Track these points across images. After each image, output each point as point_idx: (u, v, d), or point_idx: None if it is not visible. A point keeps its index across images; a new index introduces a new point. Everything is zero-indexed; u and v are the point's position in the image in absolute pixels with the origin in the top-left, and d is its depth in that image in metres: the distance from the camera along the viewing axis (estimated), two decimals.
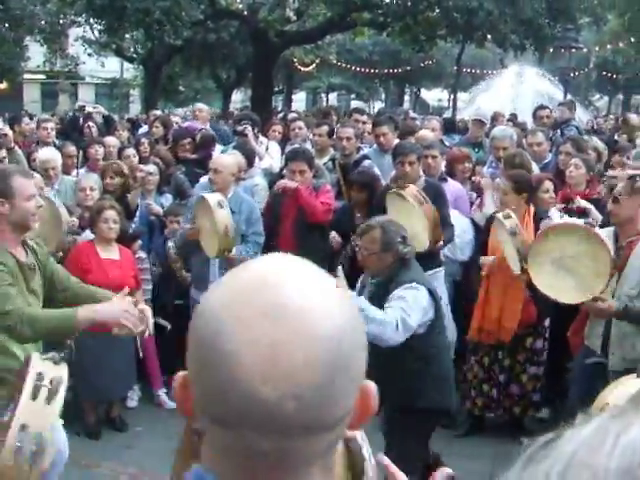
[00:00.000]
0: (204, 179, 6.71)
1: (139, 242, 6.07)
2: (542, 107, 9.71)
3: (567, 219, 5.07)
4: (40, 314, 3.39)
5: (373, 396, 0.89)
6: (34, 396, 1.92)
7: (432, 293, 4.21)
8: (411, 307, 4.04)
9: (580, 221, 4.88)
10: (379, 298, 4.17)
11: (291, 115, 11.44)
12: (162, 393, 6.10)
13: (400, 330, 3.95)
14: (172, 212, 6.35)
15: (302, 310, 0.82)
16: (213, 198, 5.29)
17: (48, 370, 2.01)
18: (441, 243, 5.46)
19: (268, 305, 0.82)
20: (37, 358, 2.04)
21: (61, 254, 5.29)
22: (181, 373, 0.90)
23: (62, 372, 2.02)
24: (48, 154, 6.84)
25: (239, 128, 7.73)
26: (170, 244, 6.07)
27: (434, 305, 4.22)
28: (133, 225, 6.26)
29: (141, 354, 5.46)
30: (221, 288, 0.87)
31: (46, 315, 3.38)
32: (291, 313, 0.81)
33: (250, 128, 7.62)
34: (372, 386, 0.89)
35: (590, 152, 6.80)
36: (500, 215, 5.05)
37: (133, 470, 5.14)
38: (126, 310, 3.26)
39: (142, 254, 6.05)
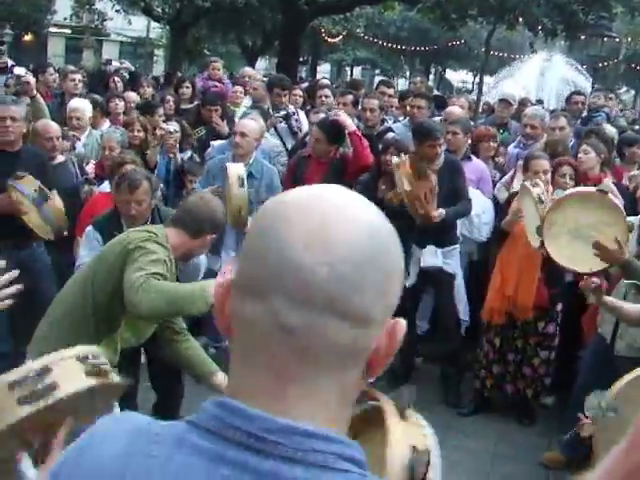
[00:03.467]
0: (217, 143, 6.69)
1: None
2: (578, 92, 9.59)
3: (580, 188, 5.01)
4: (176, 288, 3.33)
5: (399, 335, 0.92)
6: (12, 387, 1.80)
7: None
8: None
9: (592, 188, 4.81)
10: None
11: (324, 81, 11.29)
12: None
13: None
14: (191, 171, 6.27)
15: (350, 200, 0.91)
16: (234, 172, 5.19)
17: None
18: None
19: (329, 193, 0.91)
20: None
21: (66, 233, 5.24)
22: (227, 269, 0.96)
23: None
24: (77, 104, 6.80)
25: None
26: None
27: None
28: None
29: None
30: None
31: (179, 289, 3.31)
32: (340, 201, 0.90)
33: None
34: (401, 324, 0.92)
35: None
36: (528, 183, 5.03)
37: None
38: None
39: None
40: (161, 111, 7.37)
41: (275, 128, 7.25)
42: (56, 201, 5.07)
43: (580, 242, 4.51)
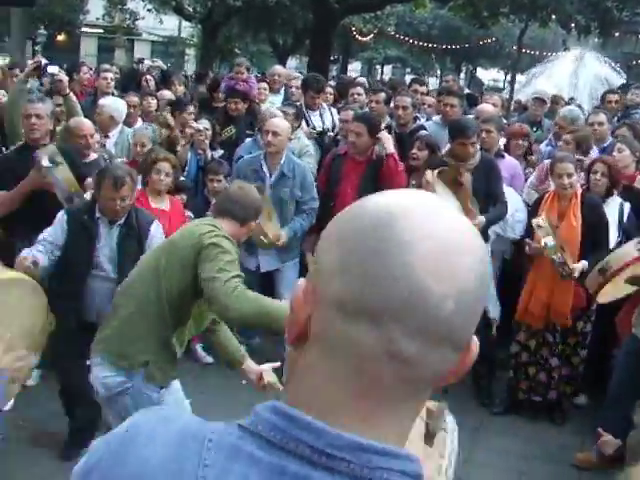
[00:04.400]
0: (248, 141, 6.68)
1: (183, 196, 5.99)
2: (612, 91, 9.50)
3: None
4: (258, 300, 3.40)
5: (474, 354, 0.90)
6: None
7: None
8: None
9: None
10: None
11: (359, 79, 11.26)
12: (199, 347, 6.11)
13: None
14: (212, 170, 6.19)
15: (461, 222, 0.87)
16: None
17: None
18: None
19: (436, 209, 0.86)
20: None
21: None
22: (303, 281, 0.90)
23: None
24: (110, 101, 6.84)
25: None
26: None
27: None
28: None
29: None
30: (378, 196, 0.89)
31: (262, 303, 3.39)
32: (455, 222, 0.86)
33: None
34: (476, 343, 0.90)
35: None
36: (534, 223, 5.16)
37: None
38: None
39: (189, 213, 5.87)
40: (191, 109, 7.40)
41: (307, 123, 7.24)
42: (66, 169, 5.04)
43: None
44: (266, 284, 5.80)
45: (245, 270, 4.70)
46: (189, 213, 5.85)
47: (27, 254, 4.08)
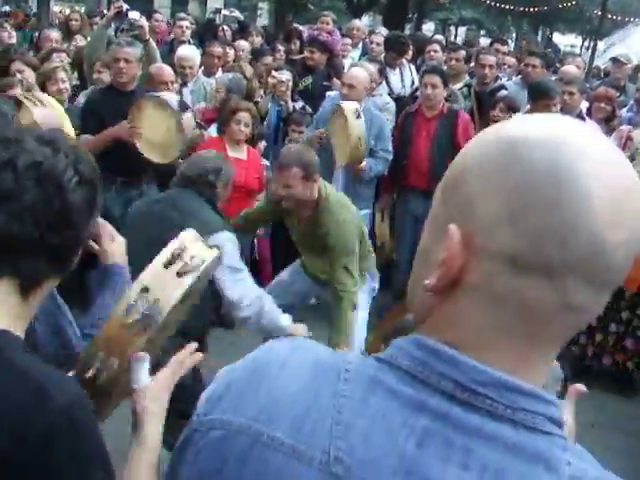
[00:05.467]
0: (333, 93, 6.62)
1: (261, 146, 6.00)
2: None
3: None
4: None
5: None
6: (167, 264, 1.77)
7: None
8: None
9: None
10: None
11: (438, 36, 11.08)
12: None
13: None
14: (295, 121, 6.18)
15: (630, 167, 0.82)
16: (350, 106, 5.24)
17: (195, 248, 1.87)
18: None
19: (608, 152, 0.81)
20: (188, 234, 1.93)
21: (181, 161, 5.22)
22: (455, 227, 0.83)
23: (208, 255, 1.88)
24: (187, 52, 6.85)
25: None
26: None
27: None
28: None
29: (257, 256, 5.53)
30: (545, 124, 0.83)
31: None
32: (627, 167, 0.82)
33: None
34: None
35: None
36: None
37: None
38: None
39: (265, 161, 5.93)
40: (268, 59, 7.37)
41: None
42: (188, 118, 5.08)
43: None
44: None
45: None
46: (266, 162, 5.87)
47: None
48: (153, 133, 4.97)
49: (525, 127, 0.83)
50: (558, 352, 0.87)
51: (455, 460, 0.79)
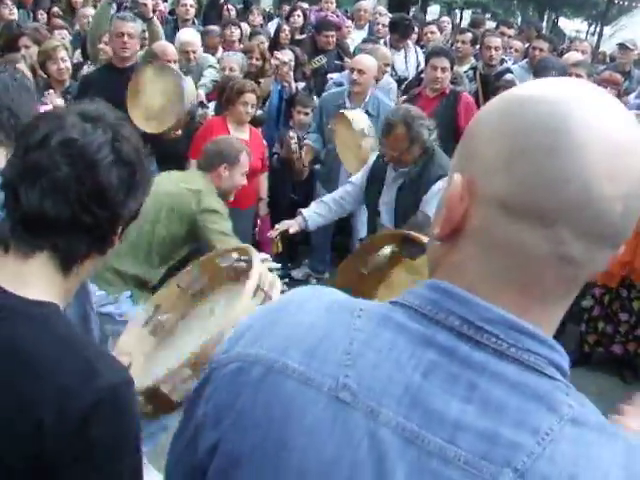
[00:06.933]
0: (336, 76, 6.59)
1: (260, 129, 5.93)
2: None
3: None
4: None
5: (621, 252, 0.89)
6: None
7: None
8: None
9: None
10: (414, 193, 4.19)
11: (445, 18, 11.06)
12: None
13: None
14: (301, 102, 6.13)
15: (631, 121, 0.83)
16: (359, 124, 5.07)
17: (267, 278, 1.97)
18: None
19: (609, 105, 0.83)
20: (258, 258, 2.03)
21: (179, 132, 5.17)
22: (459, 175, 0.86)
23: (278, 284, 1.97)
24: (188, 36, 6.79)
25: None
26: (291, 134, 5.89)
27: None
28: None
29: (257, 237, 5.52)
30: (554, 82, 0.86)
31: None
32: (627, 121, 0.83)
33: None
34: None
35: None
36: None
37: None
38: None
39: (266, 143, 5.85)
40: (261, 38, 7.36)
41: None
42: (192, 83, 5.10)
43: None
44: None
45: None
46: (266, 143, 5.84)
47: None
48: (152, 100, 4.93)
49: (532, 88, 0.86)
50: (562, 313, 0.88)
51: (459, 394, 0.81)
